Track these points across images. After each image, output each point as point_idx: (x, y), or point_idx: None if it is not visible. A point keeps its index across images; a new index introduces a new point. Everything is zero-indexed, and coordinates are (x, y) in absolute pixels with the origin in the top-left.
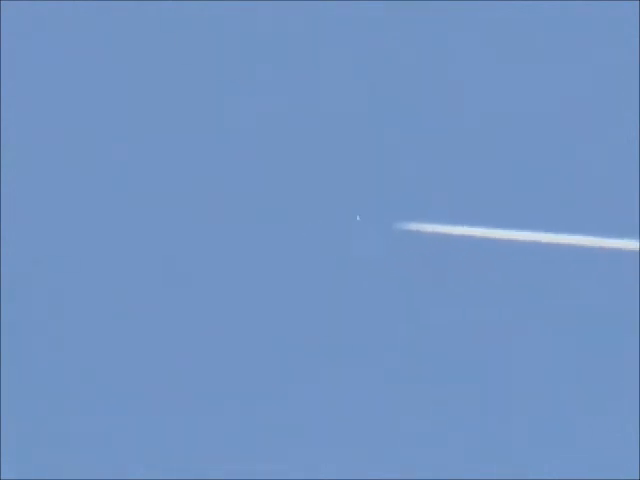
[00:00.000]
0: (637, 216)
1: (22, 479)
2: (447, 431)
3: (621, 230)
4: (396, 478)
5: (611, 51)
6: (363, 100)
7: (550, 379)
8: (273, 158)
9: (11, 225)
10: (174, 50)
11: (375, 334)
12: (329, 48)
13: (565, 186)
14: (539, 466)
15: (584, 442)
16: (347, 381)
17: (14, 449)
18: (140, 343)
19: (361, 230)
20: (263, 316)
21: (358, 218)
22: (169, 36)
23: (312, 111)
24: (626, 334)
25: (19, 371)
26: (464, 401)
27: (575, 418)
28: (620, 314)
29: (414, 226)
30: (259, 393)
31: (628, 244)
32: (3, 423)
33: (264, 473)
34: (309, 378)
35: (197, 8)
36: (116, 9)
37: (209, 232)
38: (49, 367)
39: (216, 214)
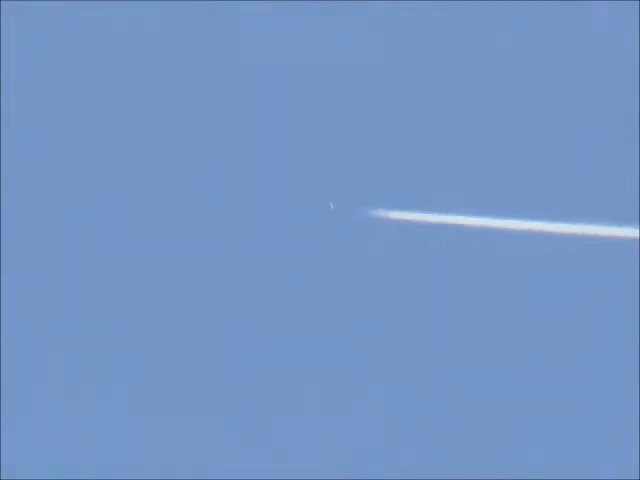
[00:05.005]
0: (637, 204)
1: (22, 479)
2: (446, 430)
3: (621, 218)
4: (397, 478)
5: (611, 51)
6: (341, 90)
7: (548, 373)
8: (252, 148)
9: (11, 223)
10: (174, 50)
11: (353, 324)
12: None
13: (562, 174)
14: (539, 466)
15: (584, 442)
16: (340, 377)
17: (14, 449)
18: (142, 342)
19: (334, 217)
20: (251, 311)
21: (332, 206)
22: (169, 36)
23: (290, 101)
24: (626, 325)
25: (18, 369)
26: (461, 398)
27: (575, 417)
28: (620, 303)
29: (386, 213)
30: (257, 392)
31: (628, 232)
32: (3, 422)
33: (264, 471)
34: (304, 375)
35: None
36: (116, 9)
37: (195, 227)
38: (48, 366)
39: (204, 209)
